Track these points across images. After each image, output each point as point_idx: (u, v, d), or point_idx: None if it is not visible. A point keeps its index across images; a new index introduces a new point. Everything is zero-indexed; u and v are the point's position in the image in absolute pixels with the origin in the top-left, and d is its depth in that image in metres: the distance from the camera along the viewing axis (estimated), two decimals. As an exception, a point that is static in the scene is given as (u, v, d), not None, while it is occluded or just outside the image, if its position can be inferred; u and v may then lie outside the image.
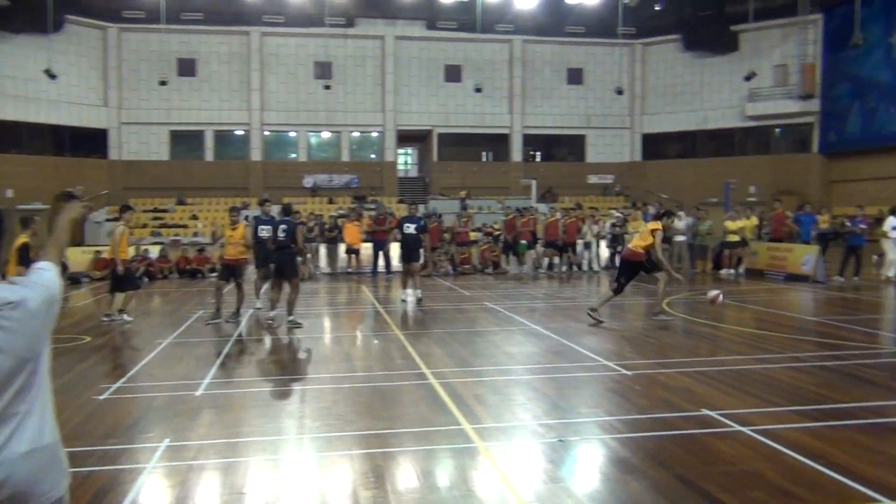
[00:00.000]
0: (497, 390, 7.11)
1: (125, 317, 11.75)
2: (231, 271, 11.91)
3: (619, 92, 40.01)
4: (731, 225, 19.28)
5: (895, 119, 35.50)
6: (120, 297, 11.90)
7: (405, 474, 4.89)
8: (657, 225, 11.54)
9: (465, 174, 42.88)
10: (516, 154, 43.44)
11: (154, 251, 20.55)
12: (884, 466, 4.80)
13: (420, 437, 5.65)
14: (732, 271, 18.96)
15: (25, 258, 9.23)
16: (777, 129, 42.61)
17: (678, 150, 45.17)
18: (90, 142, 40.44)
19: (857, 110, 37.64)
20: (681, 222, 20.23)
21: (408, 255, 13.86)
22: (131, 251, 15.47)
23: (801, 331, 10.42)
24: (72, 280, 18.47)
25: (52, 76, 35.14)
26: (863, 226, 18.27)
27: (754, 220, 19.48)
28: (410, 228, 13.84)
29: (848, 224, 18.58)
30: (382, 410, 6.41)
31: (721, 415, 6.00)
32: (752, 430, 5.58)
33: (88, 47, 39.79)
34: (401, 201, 40.32)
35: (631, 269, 11.58)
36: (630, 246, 11.95)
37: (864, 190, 38.26)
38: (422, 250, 14.15)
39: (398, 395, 6.98)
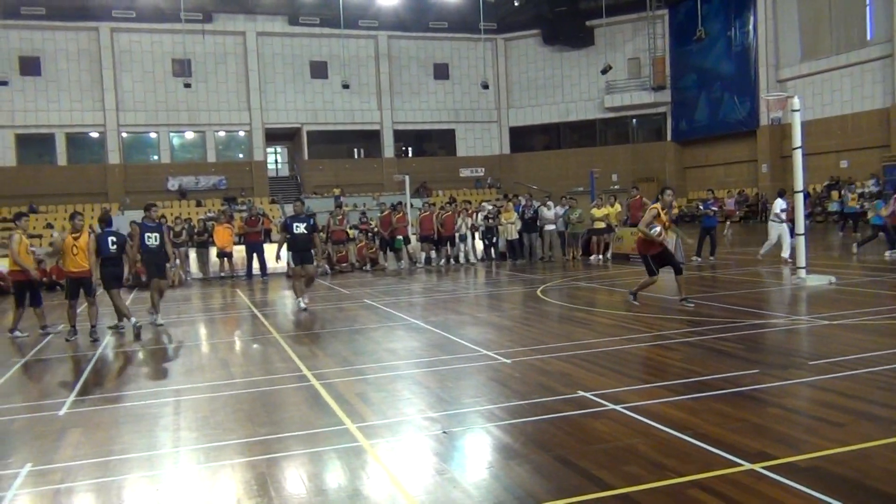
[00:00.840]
0: (380, 387, 7.10)
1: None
2: (78, 285, 10.97)
3: (485, 86, 40.84)
4: (597, 212, 20.14)
5: (737, 108, 38.28)
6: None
7: (290, 479, 4.80)
8: (656, 206, 11.19)
9: (338, 171, 42.52)
10: (388, 150, 43.49)
11: (4, 264, 19.04)
12: (742, 432, 5.17)
13: (304, 440, 5.56)
14: (601, 257, 19.83)
15: None
16: (633, 120, 44.95)
17: (544, 142, 46.73)
18: (-79, 148, 36.98)
19: (704, 100, 40.33)
20: (550, 212, 20.92)
21: (301, 257, 12.88)
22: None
23: (665, 310, 11.05)
24: None
25: None
26: (714, 208, 19.57)
27: (618, 207, 20.45)
28: (301, 228, 12.71)
29: (701, 207, 19.85)
30: (264, 416, 6.26)
31: (596, 395, 6.27)
32: (625, 408, 5.86)
33: None
34: (273, 201, 39.45)
35: (657, 258, 11.25)
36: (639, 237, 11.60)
37: (713, 174, 41.12)
38: (314, 251, 13.09)
39: (279, 400, 6.84)
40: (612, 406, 5.94)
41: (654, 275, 11.19)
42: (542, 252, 20.94)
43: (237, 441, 5.58)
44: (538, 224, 20.88)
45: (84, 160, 40.14)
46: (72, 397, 7.16)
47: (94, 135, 40.00)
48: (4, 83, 35.90)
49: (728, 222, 29.50)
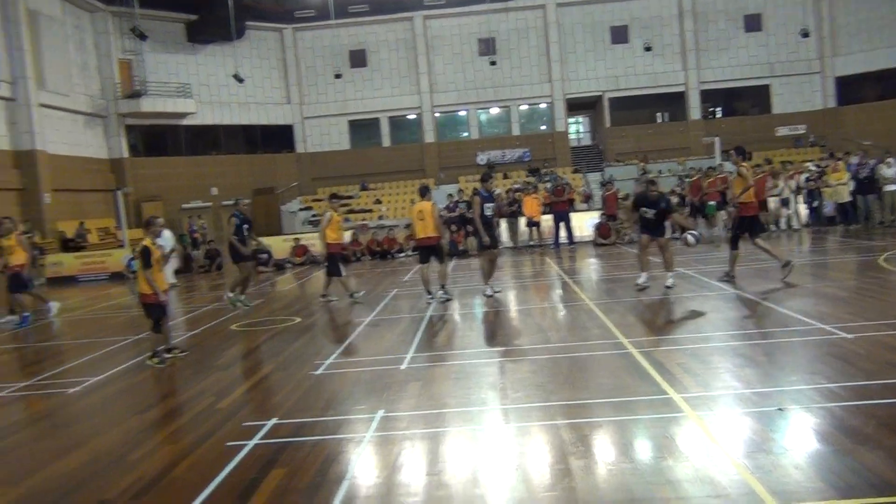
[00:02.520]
0: (701, 358, 6.83)
1: (332, 297, 12.51)
2: (428, 252, 11.93)
3: (805, 34, 36.82)
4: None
5: None
6: (339, 281, 12.60)
7: (614, 443, 4.84)
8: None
9: (640, 138, 41.48)
10: (694, 112, 41.34)
11: (346, 236, 21.74)
12: None
13: (624, 406, 5.56)
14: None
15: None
16: None
17: (878, 92, 40.86)
18: (278, 138, 43.37)
19: None
20: (890, 169, 18.35)
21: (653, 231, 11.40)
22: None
23: None
24: (277, 266, 19.96)
25: (239, 80, 37.96)
26: None
27: None
28: (649, 214, 11.22)
29: None
30: (583, 380, 6.38)
31: (967, 378, 5.39)
32: None
33: (268, 49, 42.52)
34: (576, 171, 39.77)
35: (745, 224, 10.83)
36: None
37: None
38: (666, 223, 11.59)
39: (597, 366, 6.91)
40: None
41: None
42: (882, 215, 18.43)
43: (559, 403, 5.75)
44: (876, 184, 18.40)
45: (405, 140, 44.00)
46: (410, 353, 7.95)
47: (412, 116, 43.60)
48: (339, 76, 40.62)
49: None
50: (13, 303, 12.92)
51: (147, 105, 37.98)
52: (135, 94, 37.63)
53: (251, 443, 5.30)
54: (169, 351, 8.63)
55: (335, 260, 12.55)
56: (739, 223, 11.19)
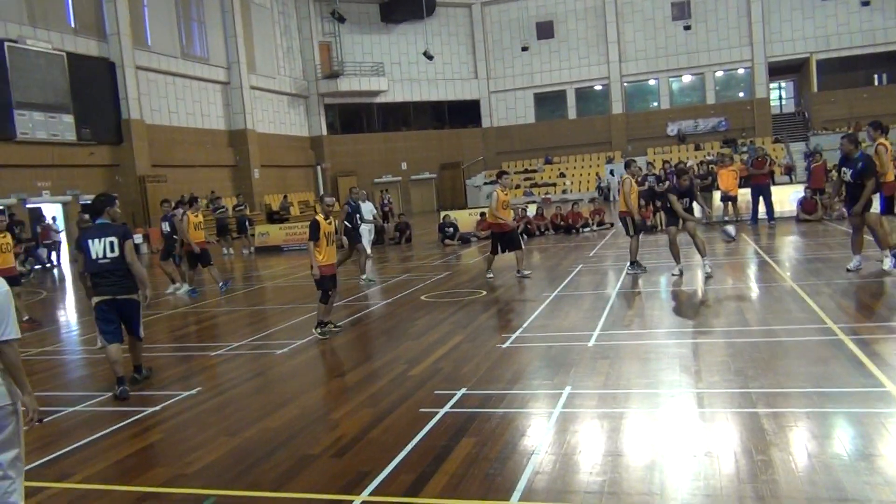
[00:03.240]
0: (927, 349, 6.15)
1: (525, 272, 12.51)
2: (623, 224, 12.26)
3: None
4: None
5: None
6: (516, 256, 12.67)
7: (823, 436, 4.48)
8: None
9: (853, 103, 37.80)
10: (921, 72, 36.99)
11: (531, 209, 21.76)
12: None
13: (834, 398, 5.13)
14: None
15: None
16: None
17: None
18: (465, 113, 44.13)
19: None
20: None
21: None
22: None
23: None
24: (462, 240, 20.43)
25: (429, 57, 38.96)
26: None
27: None
28: (847, 175, 9.86)
29: None
30: (786, 367, 5.96)
31: None
32: None
33: (457, 25, 43.18)
34: (777, 140, 37.00)
35: None
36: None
37: None
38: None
39: (802, 352, 6.43)
40: None
41: None
42: None
43: (760, 390, 5.42)
44: None
45: (591, 112, 43.13)
46: (597, 330, 7.83)
47: (599, 87, 42.59)
48: (525, 49, 40.47)
49: None
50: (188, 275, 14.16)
51: (344, 85, 40.10)
52: (333, 75, 39.86)
53: (442, 411, 5.49)
54: (325, 325, 8.90)
55: (497, 238, 12.47)
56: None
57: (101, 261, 6.85)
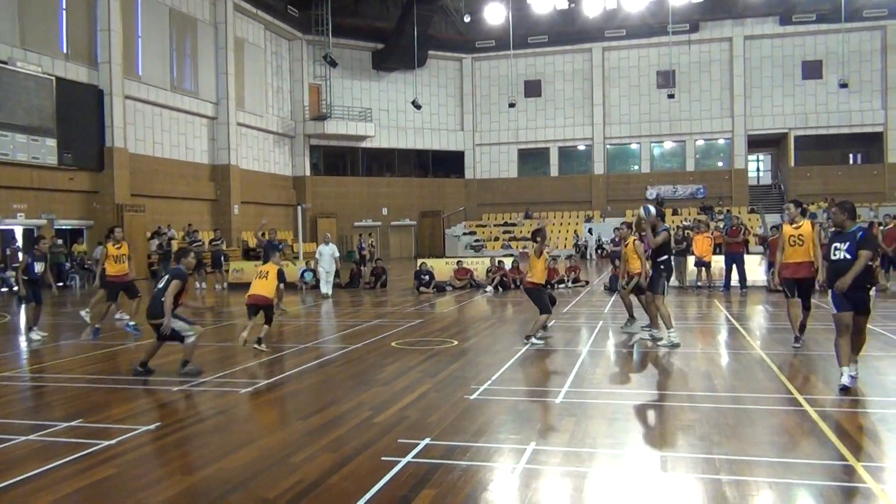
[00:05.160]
0: (890, 425, 6.20)
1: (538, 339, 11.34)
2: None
3: None
4: None
5: None
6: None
7: (786, 509, 4.47)
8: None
9: (828, 179, 38.76)
10: (893, 154, 38.09)
11: (507, 262, 21.83)
12: None
13: (798, 469, 5.13)
14: None
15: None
16: None
17: None
18: (449, 163, 44.60)
19: None
20: None
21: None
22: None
23: None
24: (438, 288, 20.40)
25: (417, 106, 39.50)
26: None
27: None
28: (840, 254, 7.66)
29: None
30: (751, 435, 5.97)
31: None
32: None
33: (447, 78, 43.93)
34: (752, 210, 37.69)
35: None
36: None
37: None
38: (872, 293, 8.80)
39: (768, 421, 6.45)
40: None
41: None
42: None
43: (724, 456, 5.41)
44: None
45: (573, 171, 43.78)
46: (565, 387, 7.81)
47: (582, 147, 43.34)
48: (513, 105, 41.20)
49: None
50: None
51: (331, 127, 40.39)
52: (321, 117, 40.19)
53: (405, 460, 5.41)
54: (259, 342, 10.65)
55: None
56: None
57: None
